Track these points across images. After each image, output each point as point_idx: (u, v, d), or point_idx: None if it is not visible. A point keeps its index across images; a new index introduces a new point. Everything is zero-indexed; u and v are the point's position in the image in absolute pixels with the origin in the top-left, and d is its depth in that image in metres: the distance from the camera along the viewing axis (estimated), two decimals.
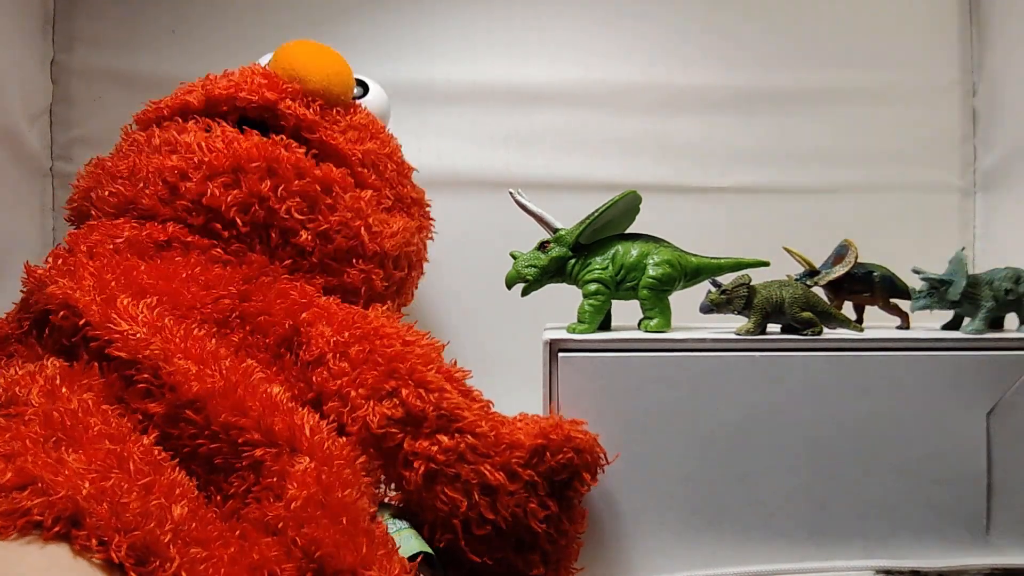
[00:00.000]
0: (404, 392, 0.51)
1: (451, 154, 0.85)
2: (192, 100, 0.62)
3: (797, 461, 0.56)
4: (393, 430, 0.51)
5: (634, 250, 0.60)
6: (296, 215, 0.59)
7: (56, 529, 0.35)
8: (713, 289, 0.59)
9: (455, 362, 0.55)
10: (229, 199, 0.57)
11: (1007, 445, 0.57)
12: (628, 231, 0.63)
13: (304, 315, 0.56)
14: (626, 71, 0.87)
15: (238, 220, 0.58)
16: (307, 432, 0.47)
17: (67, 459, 0.38)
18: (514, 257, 0.62)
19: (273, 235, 0.59)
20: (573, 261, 0.61)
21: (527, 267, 0.61)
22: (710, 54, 0.88)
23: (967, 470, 0.57)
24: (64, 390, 0.44)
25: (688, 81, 0.88)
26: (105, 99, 0.82)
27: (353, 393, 0.52)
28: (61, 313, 0.48)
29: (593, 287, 0.60)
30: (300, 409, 0.49)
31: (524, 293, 0.61)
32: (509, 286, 0.61)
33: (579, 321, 0.60)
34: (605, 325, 0.62)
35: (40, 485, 0.36)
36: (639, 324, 0.62)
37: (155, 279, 0.52)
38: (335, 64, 0.65)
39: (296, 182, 0.59)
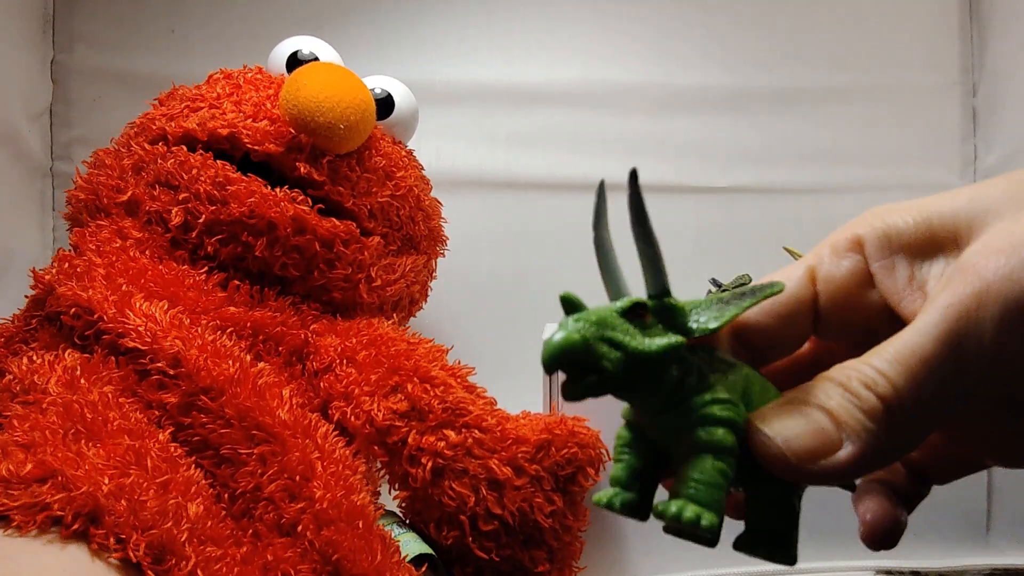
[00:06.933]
0: (409, 387, 0.52)
1: (451, 154, 0.85)
2: (196, 131, 0.57)
3: None
4: (398, 423, 0.51)
5: None
6: (292, 271, 0.57)
7: (75, 526, 0.34)
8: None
9: (458, 362, 0.56)
10: (223, 255, 0.55)
11: None
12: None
13: (314, 326, 0.57)
14: (626, 71, 0.87)
15: (231, 269, 0.56)
16: (320, 434, 0.47)
17: (87, 453, 0.38)
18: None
19: (265, 281, 0.57)
20: None
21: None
22: (710, 54, 0.88)
23: None
24: (83, 382, 0.43)
25: (688, 81, 0.88)
26: (105, 99, 0.82)
27: (357, 391, 0.52)
28: (72, 311, 0.48)
29: None
30: (311, 415, 0.49)
31: None
32: None
33: None
34: None
35: (61, 479, 0.35)
36: None
37: (163, 285, 0.52)
38: (351, 104, 0.55)
39: (295, 238, 0.55)
